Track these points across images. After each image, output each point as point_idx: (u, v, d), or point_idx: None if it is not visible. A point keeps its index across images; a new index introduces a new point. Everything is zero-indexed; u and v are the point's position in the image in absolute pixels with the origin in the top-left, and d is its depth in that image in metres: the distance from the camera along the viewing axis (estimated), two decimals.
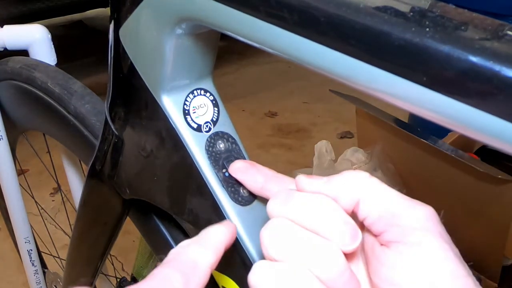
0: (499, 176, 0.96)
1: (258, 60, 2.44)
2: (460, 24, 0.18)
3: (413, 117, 1.53)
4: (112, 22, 0.34)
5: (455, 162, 1.03)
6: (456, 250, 0.23)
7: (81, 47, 2.64)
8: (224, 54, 2.33)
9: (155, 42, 0.31)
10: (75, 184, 0.76)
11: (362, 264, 0.26)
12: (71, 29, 2.89)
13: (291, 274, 0.23)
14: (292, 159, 1.64)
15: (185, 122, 0.33)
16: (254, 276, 0.24)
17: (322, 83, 2.15)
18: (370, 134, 1.33)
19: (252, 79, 2.30)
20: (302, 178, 0.25)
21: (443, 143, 1.13)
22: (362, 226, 0.25)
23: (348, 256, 0.24)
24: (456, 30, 0.18)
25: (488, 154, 1.18)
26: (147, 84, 0.33)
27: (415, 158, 1.17)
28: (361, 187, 0.24)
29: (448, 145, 1.12)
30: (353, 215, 0.24)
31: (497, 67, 0.16)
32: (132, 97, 0.36)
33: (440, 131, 1.28)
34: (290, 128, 1.89)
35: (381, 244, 0.24)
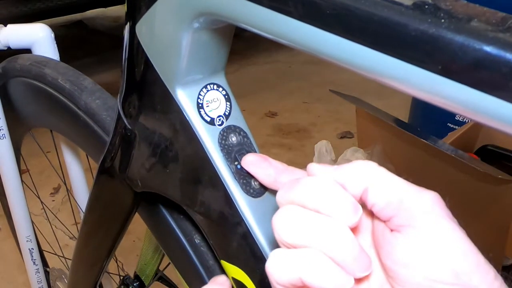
0: (499, 176, 0.97)
1: (258, 60, 2.45)
2: (473, 16, 0.19)
3: (413, 117, 1.54)
4: (129, 17, 0.34)
5: (455, 162, 1.04)
6: (464, 232, 0.24)
7: (81, 47, 2.64)
8: None
9: (172, 37, 0.31)
10: (77, 183, 0.76)
11: (374, 252, 0.26)
12: (71, 29, 2.89)
13: (306, 260, 0.24)
14: (292, 159, 1.65)
15: (198, 116, 0.34)
16: (271, 264, 0.25)
17: (322, 83, 2.16)
18: (370, 134, 1.34)
19: (252, 79, 2.30)
20: (313, 165, 0.26)
21: (443, 143, 1.14)
22: (371, 214, 0.26)
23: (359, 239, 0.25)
24: (469, 22, 0.19)
25: (488, 154, 1.19)
26: (162, 78, 0.34)
27: (415, 158, 1.18)
28: (369, 175, 0.25)
29: (448, 145, 1.13)
30: (362, 203, 0.25)
31: (509, 56, 0.17)
32: (146, 91, 0.36)
33: (440, 131, 1.29)
34: (290, 128, 1.90)
35: (391, 230, 0.24)
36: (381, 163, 0.25)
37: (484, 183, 1.01)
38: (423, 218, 0.23)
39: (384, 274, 0.25)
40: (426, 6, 0.20)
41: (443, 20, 0.18)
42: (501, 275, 0.24)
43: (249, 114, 1.94)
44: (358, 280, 0.25)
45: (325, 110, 2.00)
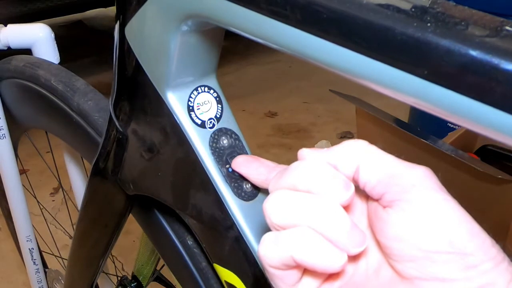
0: (499, 176, 0.97)
1: (258, 60, 2.44)
2: (460, 20, 0.19)
3: (413, 117, 1.53)
4: (118, 19, 0.34)
5: (455, 162, 1.03)
6: (457, 202, 0.23)
7: (81, 47, 2.64)
8: (225, 54, 2.32)
9: (161, 39, 0.31)
10: (77, 183, 0.76)
11: (370, 233, 0.26)
12: (71, 29, 2.89)
13: (296, 237, 0.23)
14: (292, 159, 1.63)
15: (189, 118, 0.34)
16: (261, 248, 0.25)
17: (322, 83, 2.15)
18: (370, 134, 1.33)
19: (252, 79, 2.30)
20: (303, 149, 0.26)
21: (443, 143, 1.13)
22: (366, 197, 0.26)
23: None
24: (456, 26, 0.18)
25: (488, 154, 1.18)
26: (152, 81, 0.34)
27: (415, 158, 1.17)
28: (359, 154, 0.24)
29: (448, 145, 1.12)
30: (356, 184, 0.25)
31: (496, 61, 0.17)
32: (137, 94, 0.36)
33: (440, 131, 1.29)
34: (290, 128, 1.89)
35: (384, 207, 0.24)
36: None
37: (484, 183, 1.01)
38: (414, 191, 0.23)
39: (381, 253, 0.25)
40: (413, 10, 0.19)
41: (429, 24, 0.18)
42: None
43: (249, 114, 1.93)
44: (355, 258, 0.25)
45: (325, 110, 2.00)
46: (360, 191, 0.26)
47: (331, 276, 0.26)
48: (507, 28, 0.18)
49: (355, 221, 0.25)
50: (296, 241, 0.23)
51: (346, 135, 1.81)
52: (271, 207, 0.25)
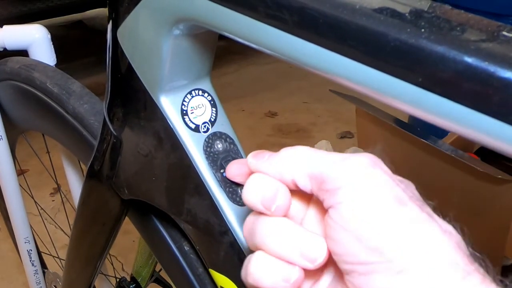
0: (499, 176, 0.96)
1: (258, 60, 2.43)
2: (455, 25, 0.18)
3: (413, 117, 1.53)
4: (110, 22, 0.34)
5: (455, 162, 1.03)
6: (399, 192, 0.21)
7: (81, 47, 2.64)
8: (224, 54, 2.33)
9: (153, 43, 0.31)
10: (75, 184, 0.76)
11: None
12: (71, 29, 2.89)
13: (250, 261, 0.24)
14: None
15: (183, 123, 0.33)
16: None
17: (322, 83, 2.14)
18: (370, 134, 1.33)
19: (252, 79, 2.29)
20: (249, 158, 0.26)
21: (443, 143, 1.13)
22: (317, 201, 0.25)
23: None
24: (451, 31, 0.18)
25: (488, 154, 1.18)
26: (145, 85, 0.33)
27: (415, 158, 1.17)
28: (293, 164, 0.24)
29: (448, 145, 1.12)
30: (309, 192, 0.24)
31: (492, 68, 0.16)
32: (130, 98, 0.36)
33: (440, 131, 1.28)
34: (290, 128, 1.89)
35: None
36: None
37: (484, 183, 1.01)
38: (340, 194, 0.21)
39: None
40: (407, 14, 0.19)
41: (423, 30, 0.18)
42: (501, 276, 0.22)
43: (249, 114, 1.93)
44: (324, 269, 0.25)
45: (325, 110, 1.99)
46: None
47: None
48: (504, 33, 0.18)
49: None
50: (249, 266, 0.24)
51: (346, 135, 1.80)
52: (244, 232, 0.26)
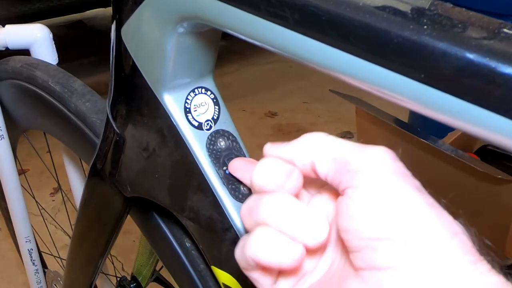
0: (499, 176, 0.97)
1: (258, 60, 2.44)
2: (457, 22, 0.18)
3: (413, 117, 1.53)
4: (114, 21, 0.34)
5: (455, 162, 1.03)
6: (417, 183, 0.22)
7: (81, 47, 2.64)
8: (224, 54, 2.33)
9: (157, 41, 0.31)
10: (76, 184, 0.76)
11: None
12: (71, 29, 2.89)
13: (251, 237, 0.24)
14: None
15: (186, 120, 0.33)
16: (235, 251, 0.26)
17: (322, 83, 2.15)
18: (370, 134, 1.33)
19: (252, 79, 2.30)
20: (267, 145, 0.26)
21: (443, 143, 1.13)
22: (332, 190, 0.26)
23: None
24: (453, 28, 0.18)
25: (488, 154, 1.18)
26: (148, 83, 0.34)
27: (415, 158, 1.17)
28: (314, 147, 0.24)
29: (448, 145, 1.12)
30: (317, 177, 0.25)
31: (493, 64, 0.17)
32: (134, 96, 0.36)
33: (440, 131, 1.29)
34: (290, 128, 1.89)
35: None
36: None
37: (484, 183, 1.01)
38: (360, 176, 0.22)
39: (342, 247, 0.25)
40: (410, 12, 0.19)
41: (425, 27, 0.18)
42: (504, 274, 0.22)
43: (249, 114, 1.93)
44: (322, 254, 0.25)
45: (325, 110, 2.00)
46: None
47: (303, 275, 0.25)
48: (505, 30, 0.18)
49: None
50: (249, 241, 0.24)
51: (346, 135, 1.81)
52: (241, 211, 0.26)
